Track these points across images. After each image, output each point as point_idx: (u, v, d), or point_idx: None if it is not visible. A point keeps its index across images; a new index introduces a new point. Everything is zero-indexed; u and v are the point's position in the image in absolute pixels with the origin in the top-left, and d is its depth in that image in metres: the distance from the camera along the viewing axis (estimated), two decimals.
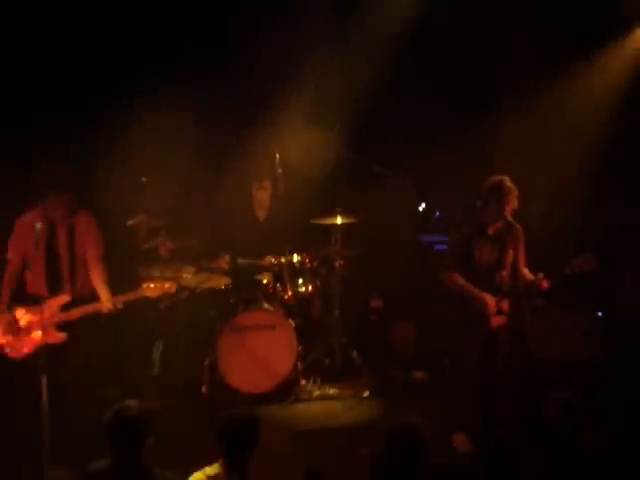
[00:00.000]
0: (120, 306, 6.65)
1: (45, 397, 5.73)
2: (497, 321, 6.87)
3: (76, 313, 6.53)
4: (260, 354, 7.96)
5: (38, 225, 6.38)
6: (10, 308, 6.52)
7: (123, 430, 4.70)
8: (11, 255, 6.67)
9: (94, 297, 6.68)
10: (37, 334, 6.42)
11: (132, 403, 4.82)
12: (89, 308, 6.56)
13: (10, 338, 6.43)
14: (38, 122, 8.19)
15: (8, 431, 6.37)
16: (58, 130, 8.14)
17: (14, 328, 6.43)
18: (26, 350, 6.42)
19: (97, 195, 8.32)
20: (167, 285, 6.80)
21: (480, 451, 4.86)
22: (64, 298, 6.56)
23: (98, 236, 6.80)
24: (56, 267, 6.62)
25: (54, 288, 6.61)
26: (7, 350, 6.45)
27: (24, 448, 6.08)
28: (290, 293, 8.31)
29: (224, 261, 8.29)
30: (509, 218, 6.88)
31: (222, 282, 8.28)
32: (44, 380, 5.78)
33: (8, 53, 8.32)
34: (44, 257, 6.59)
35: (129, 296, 6.70)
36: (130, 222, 8.34)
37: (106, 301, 6.59)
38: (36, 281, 6.66)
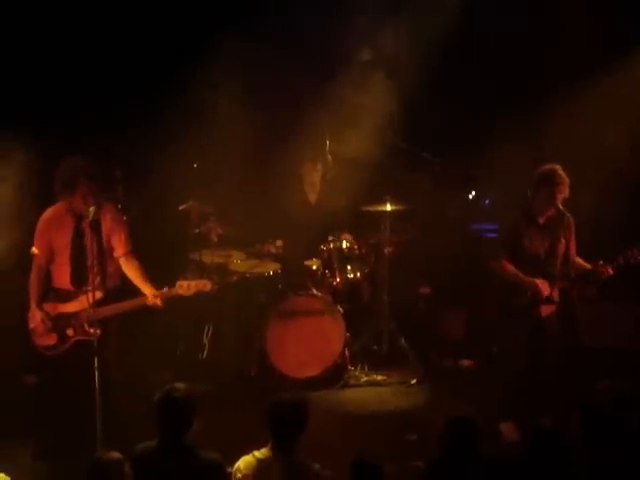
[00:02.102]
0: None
1: (97, 378, 5.81)
2: (547, 309, 6.84)
3: (107, 311, 6.27)
4: (308, 339, 8.01)
5: (92, 209, 6.06)
6: (39, 307, 6.35)
7: (170, 411, 4.77)
8: (37, 250, 6.43)
9: (123, 294, 6.44)
10: (70, 331, 6.31)
11: (180, 385, 4.89)
12: (127, 305, 6.34)
13: (53, 336, 6.33)
14: (88, 114, 8.32)
15: (61, 411, 6.43)
16: (111, 119, 8.28)
17: (51, 325, 6.32)
18: (65, 347, 6.34)
19: (150, 181, 8.43)
20: (202, 284, 6.44)
21: (527, 440, 4.83)
22: (97, 294, 6.16)
23: (127, 231, 6.52)
24: (82, 261, 6.29)
25: (80, 283, 6.32)
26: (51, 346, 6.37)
27: (77, 429, 6.15)
28: (339, 279, 8.33)
29: (274, 246, 8.35)
30: (560, 207, 6.82)
31: (271, 267, 8.35)
32: (95, 361, 5.86)
33: (69, 38, 8.46)
34: (70, 250, 6.33)
35: (163, 294, 6.38)
36: (181, 207, 8.43)
37: (152, 296, 6.30)
38: (61, 275, 6.40)
